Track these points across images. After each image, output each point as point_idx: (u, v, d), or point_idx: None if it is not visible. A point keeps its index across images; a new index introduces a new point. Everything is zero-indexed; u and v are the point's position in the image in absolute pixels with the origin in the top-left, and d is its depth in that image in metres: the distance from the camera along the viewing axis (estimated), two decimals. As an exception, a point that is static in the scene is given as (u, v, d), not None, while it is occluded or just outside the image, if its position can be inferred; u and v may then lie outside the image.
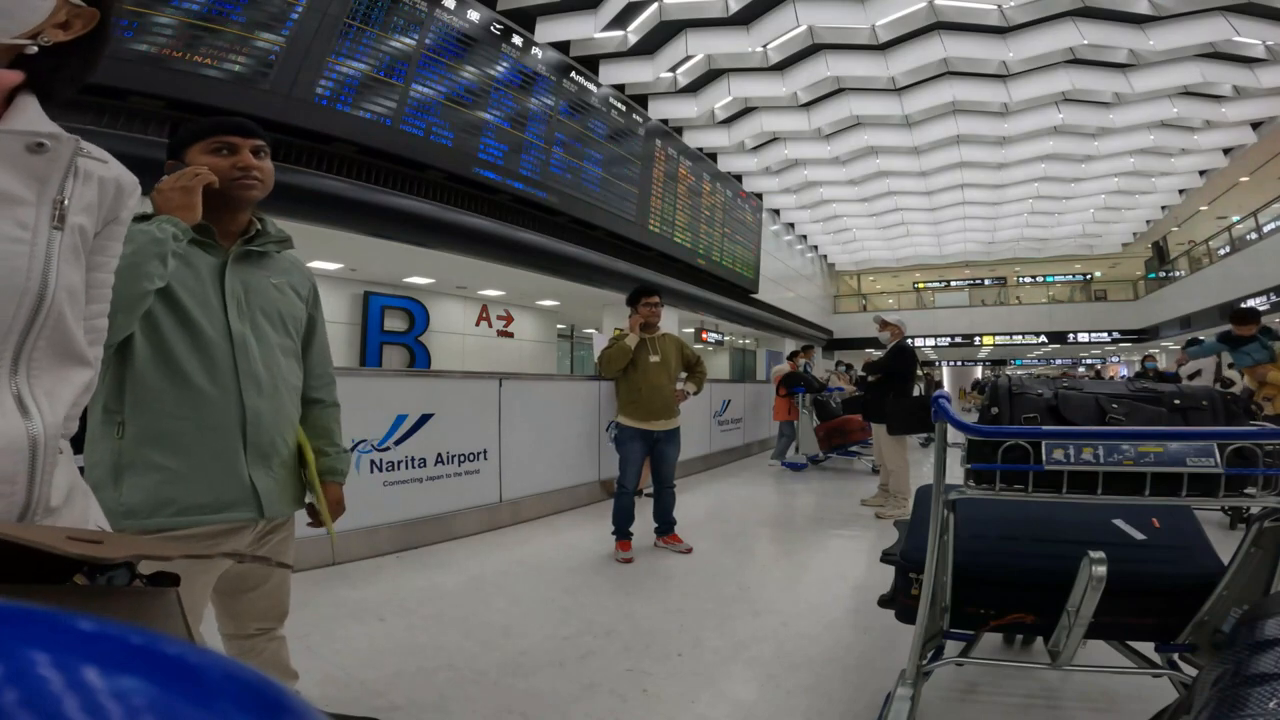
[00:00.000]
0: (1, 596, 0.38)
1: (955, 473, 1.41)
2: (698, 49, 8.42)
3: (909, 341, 4.88)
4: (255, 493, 1.16)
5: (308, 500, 1.33)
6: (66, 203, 0.57)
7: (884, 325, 4.85)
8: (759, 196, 13.75)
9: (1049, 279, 23.06)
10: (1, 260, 0.51)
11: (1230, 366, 5.57)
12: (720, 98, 9.59)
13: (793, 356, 7.80)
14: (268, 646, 1.33)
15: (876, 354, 5.32)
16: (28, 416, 0.55)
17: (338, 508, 1.37)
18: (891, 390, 4.75)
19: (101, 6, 0.59)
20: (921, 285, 24.77)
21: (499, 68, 6.96)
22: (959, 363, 28.79)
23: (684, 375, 3.68)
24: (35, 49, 0.55)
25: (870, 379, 5.06)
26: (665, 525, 3.54)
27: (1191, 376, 6.63)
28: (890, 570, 1.76)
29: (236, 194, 1.17)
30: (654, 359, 3.44)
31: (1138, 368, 15.94)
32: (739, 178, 12.70)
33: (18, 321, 0.53)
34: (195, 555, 0.84)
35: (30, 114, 0.56)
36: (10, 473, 0.54)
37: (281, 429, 1.22)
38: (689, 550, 3.44)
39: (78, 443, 1.06)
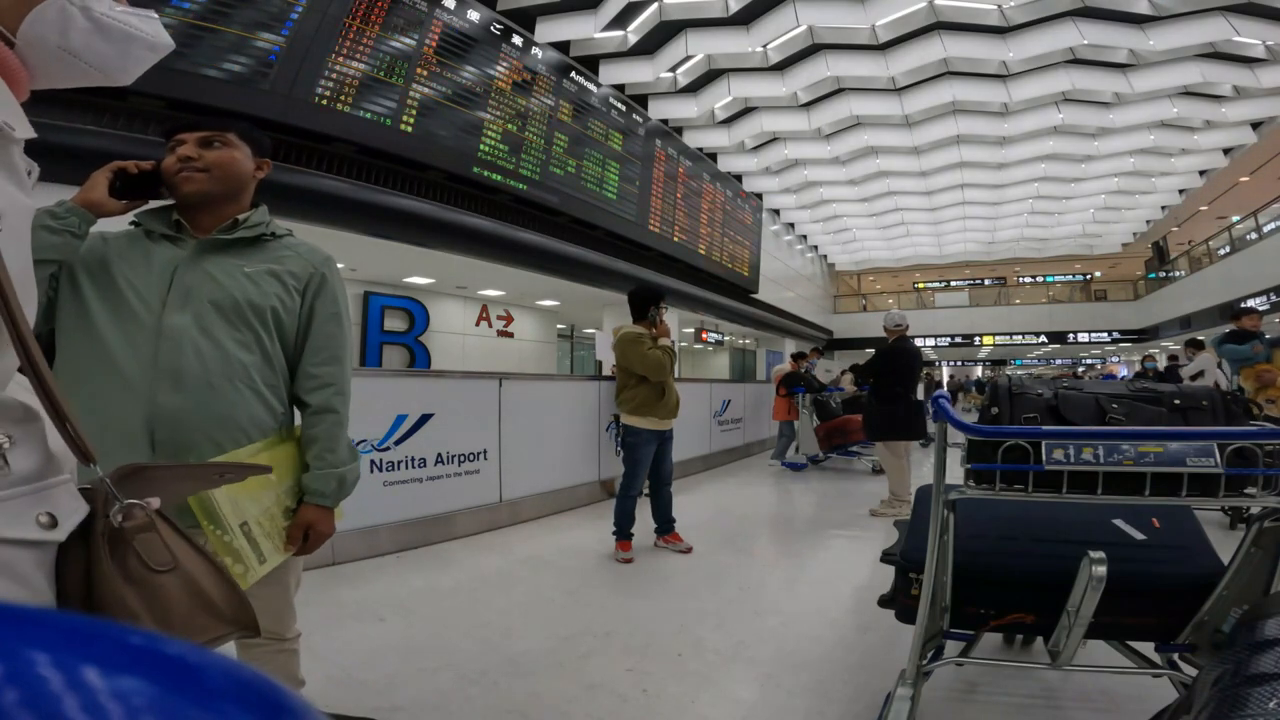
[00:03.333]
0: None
1: (955, 473, 1.41)
2: (698, 49, 8.42)
3: (908, 341, 4.77)
4: None
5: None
6: None
7: (885, 329, 4.81)
8: (759, 196, 13.75)
9: (1049, 279, 23.09)
10: (30, 272, 0.57)
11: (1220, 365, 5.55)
12: (720, 98, 9.60)
13: (799, 357, 7.76)
14: (275, 658, 1.30)
15: None
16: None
17: (314, 535, 1.20)
18: (877, 394, 4.71)
19: None
20: (921, 285, 24.80)
21: (499, 68, 6.96)
22: (959, 363, 28.80)
23: None
24: None
25: (869, 381, 5.04)
26: (665, 525, 3.54)
27: (1194, 377, 6.63)
28: (890, 570, 1.76)
29: (180, 188, 1.15)
30: None
31: (1138, 368, 15.94)
32: (739, 178, 12.70)
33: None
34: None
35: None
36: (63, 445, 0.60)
37: (211, 431, 1.10)
38: (689, 550, 3.44)
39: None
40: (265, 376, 1.19)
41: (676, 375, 3.79)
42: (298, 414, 1.30)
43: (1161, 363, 15.42)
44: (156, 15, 0.61)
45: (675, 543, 3.49)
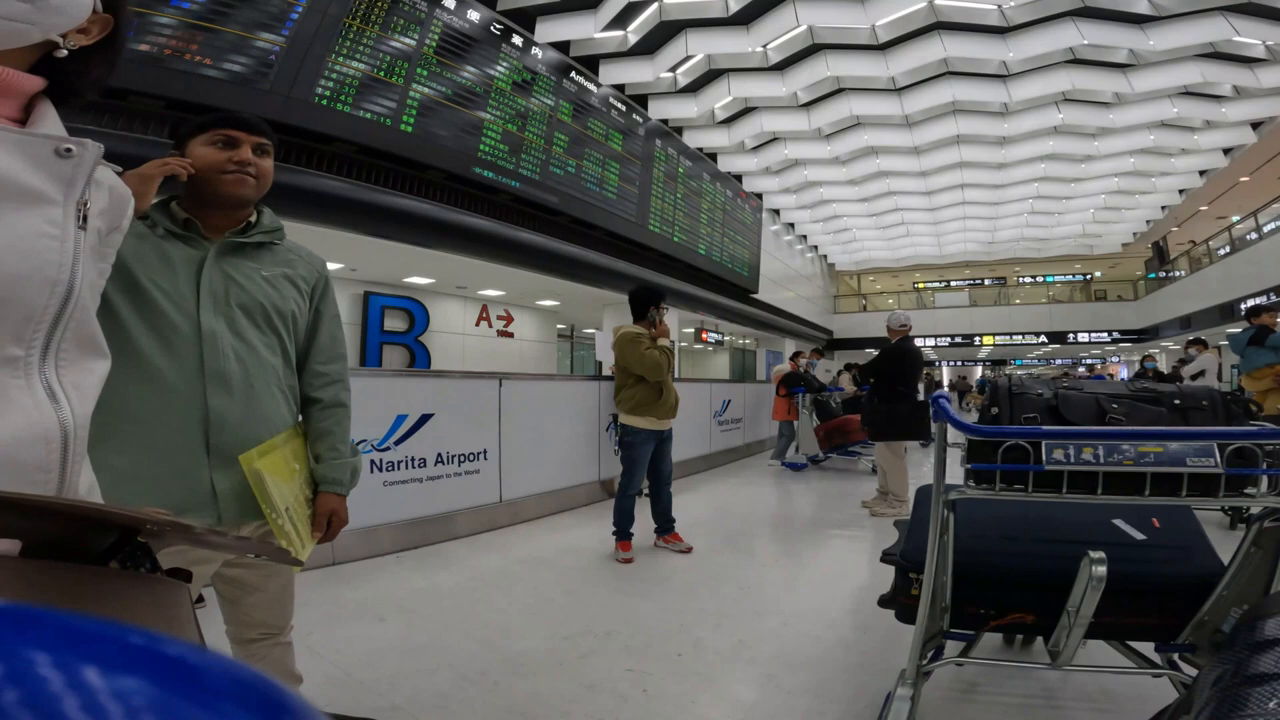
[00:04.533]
0: (49, 574, 0.42)
1: (955, 473, 1.41)
2: (698, 49, 8.42)
3: (911, 342, 4.74)
4: (215, 497, 1.10)
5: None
6: (89, 205, 0.59)
7: (889, 329, 4.76)
8: (759, 196, 13.75)
9: (1049, 279, 23.10)
10: (34, 254, 0.55)
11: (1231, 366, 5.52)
12: (720, 98, 9.59)
13: (795, 357, 7.79)
14: (271, 652, 1.31)
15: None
16: (58, 406, 0.57)
17: (336, 521, 1.27)
18: (879, 394, 4.67)
19: (115, 12, 0.62)
20: (921, 285, 24.81)
21: (499, 68, 6.96)
22: (959, 362, 28.81)
23: None
24: (65, 52, 0.57)
25: (870, 381, 5.03)
26: (665, 525, 3.55)
27: (1195, 377, 6.62)
28: (890, 570, 1.76)
29: (227, 189, 1.13)
30: None
31: (1137, 368, 15.92)
32: (739, 178, 12.70)
33: (48, 312, 0.56)
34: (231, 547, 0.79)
35: (52, 119, 0.58)
36: (44, 461, 0.55)
37: (255, 430, 1.14)
38: (689, 549, 3.44)
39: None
40: (286, 378, 1.24)
41: (676, 376, 3.81)
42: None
43: (1162, 363, 15.37)
44: None
45: (675, 543, 3.49)
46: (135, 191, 1.05)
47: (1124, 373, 22.89)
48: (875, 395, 4.73)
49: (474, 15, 6.64)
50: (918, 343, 5.13)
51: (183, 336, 1.09)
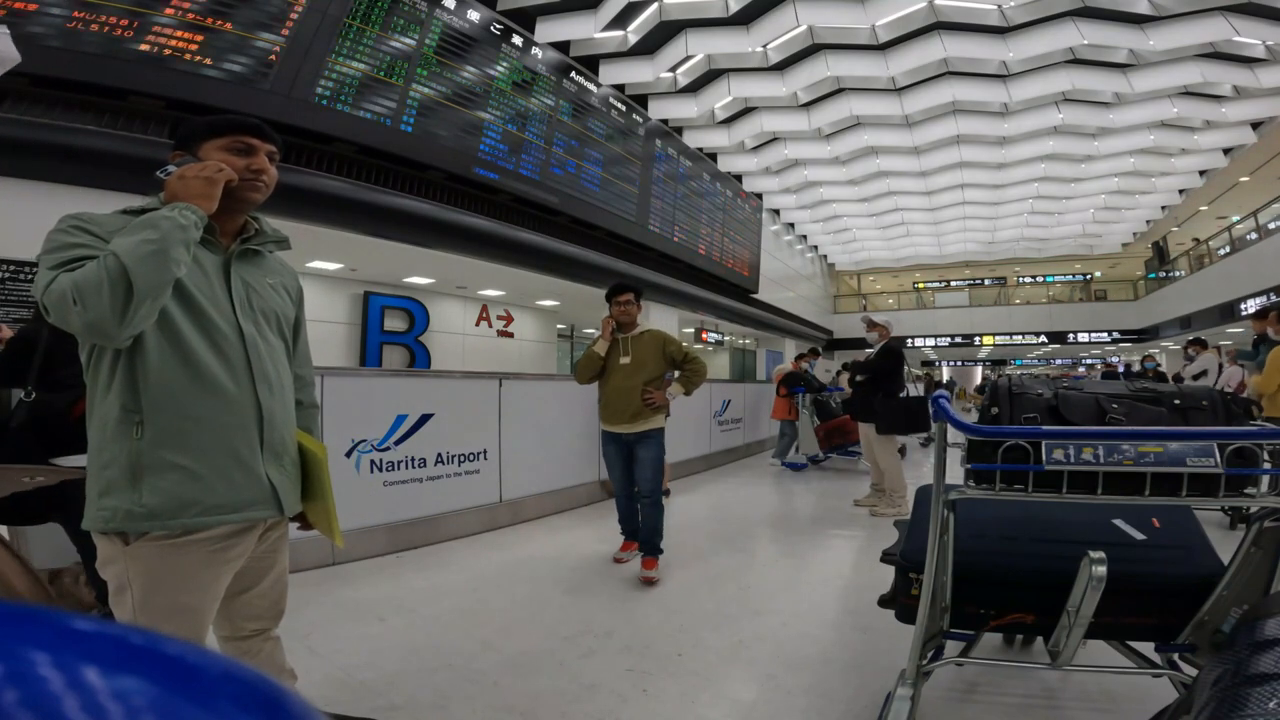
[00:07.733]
0: None
1: (955, 473, 1.41)
2: (698, 49, 8.42)
3: (898, 341, 4.91)
4: (274, 490, 1.18)
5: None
6: None
7: (871, 325, 4.87)
8: (759, 196, 13.75)
9: (1049, 279, 23.09)
10: None
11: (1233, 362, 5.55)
12: (720, 98, 9.59)
13: (800, 358, 7.80)
14: (264, 647, 1.31)
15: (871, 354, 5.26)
16: None
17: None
18: (879, 390, 4.76)
19: None
20: (921, 285, 24.78)
21: (499, 68, 6.96)
22: (959, 362, 28.80)
23: (676, 375, 3.30)
24: None
25: (859, 379, 5.08)
26: (644, 545, 3.07)
27: (1197, 377, 6.60)
28: (890, 570, 1.76)
29: (243, 195, 1.17)
30: (624, 360, 3.14)
31: (1137, 369, 15.93)
32: (739, 178, 12.70)
33: None
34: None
35: None
36: None
37: (289, 428, 1.24)
38: (654, 582, 2.94)
39: (78, 442, 1.06)
40: (291, 381, 1.32)
41: (701, 389, 3.43)
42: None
43: (1163, 363, 15.32)
44: (7, 30, 0.58)
45: (645, 568, 3.00)
46: (202, 194, 1.06)
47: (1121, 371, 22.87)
48: (878, 391, 4.78)
49: (474, 15, 6.64)
50: (917, 343, 5.24)
51: (228, 340, 1.13)
